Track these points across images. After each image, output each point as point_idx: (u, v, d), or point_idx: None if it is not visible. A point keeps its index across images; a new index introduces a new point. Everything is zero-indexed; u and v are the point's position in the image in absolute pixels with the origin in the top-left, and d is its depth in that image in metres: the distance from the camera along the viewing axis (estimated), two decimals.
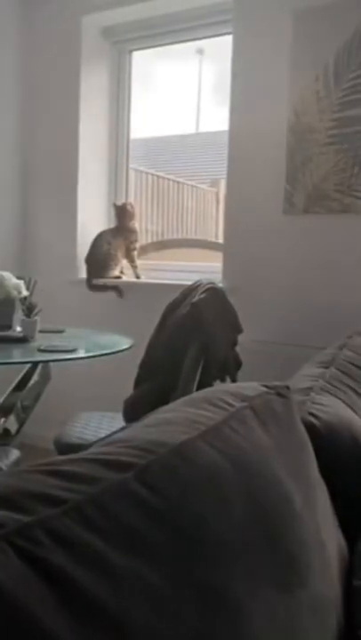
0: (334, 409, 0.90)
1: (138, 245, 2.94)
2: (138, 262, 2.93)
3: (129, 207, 2.91)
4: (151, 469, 0.52)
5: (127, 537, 0.47)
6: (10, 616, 0.38)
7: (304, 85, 2.36)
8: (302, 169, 2.38)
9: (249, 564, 0.55)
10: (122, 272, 2.95)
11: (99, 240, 2.88)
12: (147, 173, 3.31)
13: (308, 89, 2.35)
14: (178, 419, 0.63)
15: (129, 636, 0.42)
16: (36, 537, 0.42)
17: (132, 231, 2.90)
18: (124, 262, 2.94)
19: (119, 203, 2.95)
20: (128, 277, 2.98)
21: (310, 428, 0.82)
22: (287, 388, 0.79)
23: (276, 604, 0.56)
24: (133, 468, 0.51)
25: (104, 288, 2.85)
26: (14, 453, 1.80)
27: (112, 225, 3.01)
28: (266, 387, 0.78)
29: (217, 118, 2.87)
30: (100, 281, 2.86)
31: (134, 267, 2.92)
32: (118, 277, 2.92)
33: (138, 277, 2.92)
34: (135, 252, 2.91)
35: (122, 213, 2.89)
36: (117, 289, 2.83)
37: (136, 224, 2.93)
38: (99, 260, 2.87)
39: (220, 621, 0.49)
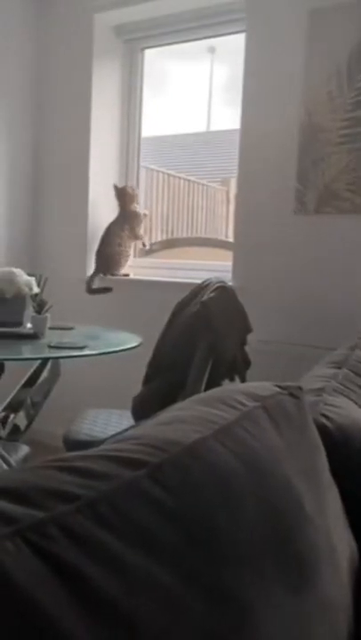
0: (347, 410, 0.90)
1: (142, 227, 2.93)
2: (148, 260, 2.94)
3: (129, 190, 2.91)
4: (164, 468, 0.52)
5: (139, 535, 0.46)
6: (23, 611, 0.38)
7: (317, 85, 2.35)
8: (314, 168, 2.37)
9: (259, 564, 0.55)
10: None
11: (110, 236, 2.88)
12: (157, 172, 3.30)
13: (320, 88, 2.34)
14: (191, 417, 0.63)
15: (139, 633, 0.42)
16: (50, 533, 0.42)
17: (135, 215, 2.90)
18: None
19: (120, 185, 2.95)
20: (136, 276, 2.98)
21: (322, 429, 0.82)
22: (300, 388, 0.79)
23: (286, 606, 0.56)
24: (146, 465, 0.51)
25: (102, 290, 2.84)
26: (24, 449, 1.81)
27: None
28: (279, 387, 0.77)
29: (228, 117, 2.86)
30: (105, 279, 2.86)
31: (142, 243, 2.93)
32: (126, 275, 2.92)
33: (143, 245, 2.95)
34: (141, 232, 2.92)
35: (123, 196, 2.88)
36: (108, 289, 2.82)
37: (138, 207, 2.93)
38: (110, 257, 2.88)
39: (230, 621, 0.49)
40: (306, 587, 0.59)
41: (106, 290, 2.84)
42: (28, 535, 0.41)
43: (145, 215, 3.00)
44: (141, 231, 2.94)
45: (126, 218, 2.89)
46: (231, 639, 0.48)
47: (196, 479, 0.53)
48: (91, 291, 2.85)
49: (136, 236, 2.91)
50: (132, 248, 2.99)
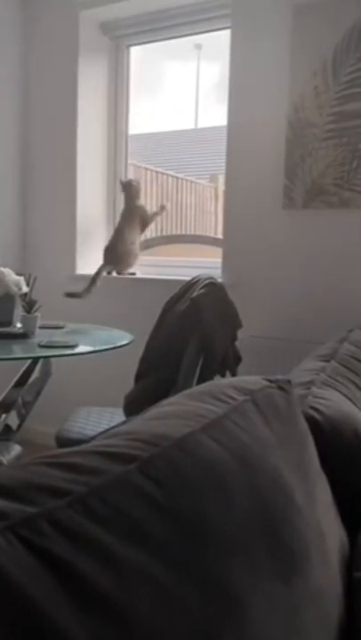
0: (336, 403, 0.90)
1: (150, 215, 2.92)
2: (140, 257, 2.94)
3: (134, 183, 2.90)
4: (154, 462, 0.52)
5: (130, 528, 0.47)
6: (16, 605, 0.38)
7: (303, 80, 2.35)
8: (301, 164, 2.38)
9: (249, 555, 0.55)
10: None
11: (123, 234, 2.84)
12: (145, 169, 3.30)
13: (306, 83, 2.35)
14: (180, 412, 0.64)
15: (132, 626, 0.43)
16: (41, 528, 0.43)
17: (144, 212, 2.90)
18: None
19: (124, 179, 2.95)
20: (124, 274, 2.98)
21: (312, 421, 0.83)
22: (289, 382, 0.80)
23: (277, 596, 0.57)
24: (136, 460, 0.52)
25: (78, 295, 2.73)
26: (16, 449, 1.81)
27: (112, 221, 3.01)
28: (268, 380, 0.78)
29: (215, 114, 2.86)
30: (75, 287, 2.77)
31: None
32: (133, 274, 2.91)
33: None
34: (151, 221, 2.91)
35: (129, 189, 2.88)
36: (77, 294, 2.71)
37: (141, 200, 2.93)
38: (123, 255, 2.85)
39: (222, 613, 0.50)
40: (296, 577, 0.60)
41: (78, 295, 2.72)
42: (19, 530, 0.42)
43: (163, 208, 2.98)
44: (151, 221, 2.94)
45: (135, 214, 2.87)
46: (223, 629, 0.49)
47: (187, 472, 0.54)
48: (68, 294, 2.73)
49: (143, 232, 2.91)
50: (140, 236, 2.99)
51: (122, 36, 3.05)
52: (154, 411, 0.67)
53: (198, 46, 3.16)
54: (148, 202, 3.34)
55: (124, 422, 0.66)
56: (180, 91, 3.34)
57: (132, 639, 0.42)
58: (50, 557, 0.42)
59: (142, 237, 3.00)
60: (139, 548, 0.46)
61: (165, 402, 0.71)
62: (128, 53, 3.11)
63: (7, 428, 2.09)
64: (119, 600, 0.43)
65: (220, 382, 0.77)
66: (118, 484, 0.49)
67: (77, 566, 0.42)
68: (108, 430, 0.62)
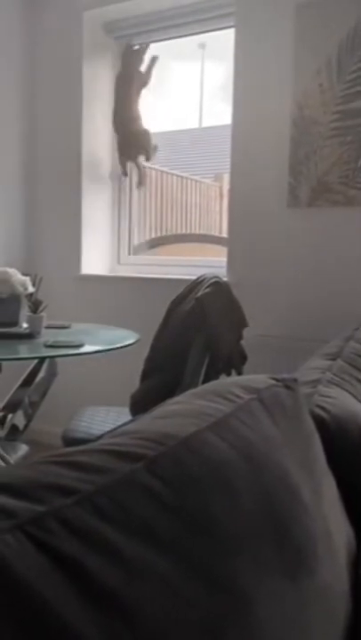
0: (342, 401, 0.90)
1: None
2: (143, 257, 2.94)
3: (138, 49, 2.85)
4: (161, 461, 0.53)
5: (138, 526, 0.47)
6: (25, 603, 0.38)
7: (307, 78, 2.35)
8: (306, 162, 2.37)
9: (256, 553, 0.55)
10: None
11: (130, 111, 2.81)
12: (150, 168, 3.30)
13: (311, 82, 2.35)
14: (187, 410, 0.64)
15: (140, 622, 0.43)
16: (50, 526, 0.43)
17: (145, 133, 2.86)
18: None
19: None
20: (132, 273, 2.99)
21: (318, 420, 0.83)
22: (295, 380, 0.80)
23: (284, 593, 0.57)
24: (143, 459, 0.52)
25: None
26: (23, 448, 1.81)
27: (117, 220, 3.01)
28: (274, 379, 0.78)
29: (220, 112, 2.86)
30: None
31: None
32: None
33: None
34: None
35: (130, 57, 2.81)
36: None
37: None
38: (136, 135, 2.82)
39: (229, 610, 0.50)
40: (303, 574, 0.60)
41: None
42: (28, 529, 0.42)
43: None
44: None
45: (135, 80, 2.80)
46: (230, 626, 0.49)
47: (193, 471, 0.54)
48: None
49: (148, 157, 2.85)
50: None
51: (125, 36, 3.05)
52: (160, 410, 0.67)
53: (202, 45, 3.16)
54: (152, 202, 3.34)
55: (130, 421, 0.67)
56: (185, 90, 3.34)
57: (140, 636, 0.42)
58: (58, 555, 0.42)
59: (147, 237, 3.01)
60: (146, 546, 0.46)
61: (172, 401, 0.71)
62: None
63: (14, 427, 2.10)
64: (127, 597, 0.43)
65: (226, 381, 0.77)
66: (125, 482, 0.49)
67: (86, 564, 0.43)
68: (114, 429, 0.62)
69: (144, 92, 2.99)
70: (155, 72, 2.96)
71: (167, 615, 0.45)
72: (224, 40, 2.73)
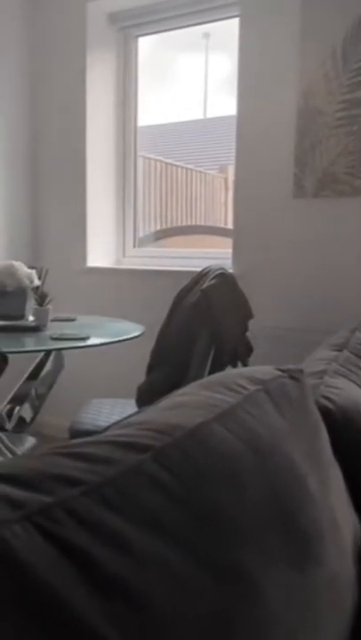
0: (348, 392, 0.90)
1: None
2: (148, 249, 2.93)
3: None
4: (167, 451, 0.53)
5: (145, 516, 0.47)
6: (35, 593, 0.39)
7: (312, 68, 2.33)
8: (311, 152, 2.36)
9: (264, 542, 0.56)
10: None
11: None
12: (155, 160, 3.30)
13: (316, 71, 2.33)
14: (193, 402, 0.64)
15: (149, 611, 0.43)
16: (58, 517, 0.43)
17: None
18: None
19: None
20: (137, 265, 2.99)
21: (324, 410, 0.83)
22: (301, 371, 0.80)
23: (292, 583, 0.57)
24: (150, 450, 0.52)
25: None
26: (30, 441, 1.82)
27: (122, 213, 3.00)
28: (280, 370, 0.78)
29: (225, 103, 2.85)
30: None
31: None
32: None
33: None
34: None
35: None
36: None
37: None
38: None
39: (237, 600, 0.50)
40: (310, 563, 0.60)
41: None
42: (36, 519, 0.42)
43: None
44: None
45: None
46: (238, 616, 0.49)
47: (200, 461, 0.54)
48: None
49: None
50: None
51: (130, 26, 3.03)
52: (167, 401, 0.67)
53: (206, 35, 3.14)
54: (157, 194, 3.34)
55: (137, 413, 0.67)
56: (189, 81, 3.32)
57: (149, 624, 0.43)
58: (67, 546, 0.42)
59: (153, 229, 3.00)
60: (153, 536, 0.47)
61: (178, 392, 0.71)
62: (136, 44, 3.10)
63: (21, 420, 2.11)
64: (135, 587, 0.43)
65: (231, 372, 0.77)
66: (132, 473, 0.49)
67: (94, 554, 0.43)
68: (121, 421, 0.62)
69: (146, 84, 2.98)
70: (157, 63, 2.94)
71: (175, 605, 0.45)
72: (228, 29, 2.71)
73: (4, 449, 1.37)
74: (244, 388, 0.70)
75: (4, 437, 1.35)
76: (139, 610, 0.43)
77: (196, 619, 0.46)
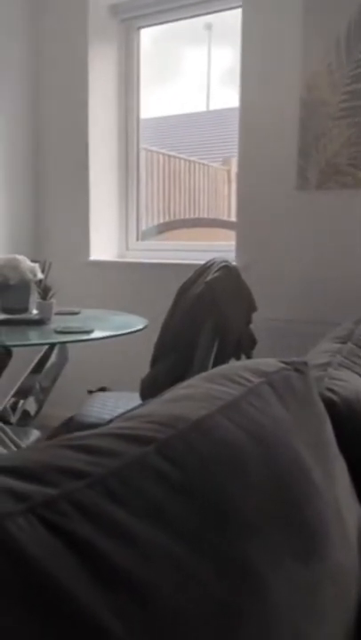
0: (352, 384, 0.90)
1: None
2: (151, 242, 2.93)
3: None
4: (171, 443, 0.53)
5: (149, 508, 0.47)
6: (39, 584, 0.39)
7: (315, 58, 2.32)
8: (315, 144, 2.35)
9: (268, 534, 0.56)
10: None
11: None
12: (158, 153, 3.29)
13: (319, 62, 2.31)
14: (196, 394, 0.64)
15: (154, 603, 0.43)
16: (62, 509, 0.43)
17: None
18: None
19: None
20: (140, 259, 2.98)
21: (328, 402, 0.83)
22: (305, 363, 0.80)
23: (296, 575, 0.57)
24: (154, 442, 0.52)
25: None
26: (34, 434, 1.83)
27: (125, 205, 2.99)
28: (284, 363, 0.78)
29: (228, 95, 2.83)
30: None
31: None
32: None
33: None
34: None
35: None
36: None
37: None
38: None
39: (242, 591, 0.50)
40: (315, 556, 0.60)
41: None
42: (40, 511, 0.42)
43: None
44: None
45: None
46: (242, 607, 0.49)
47: (204, 453, 0.54)
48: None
49: None
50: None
51: (131, 17, 3.01)
52: (170, 394, 0.67)
53: (209, 26, 3.12)
54: (160, 187, 3.33)
55: (140, 405, 0.67)
56: (192, 73, 3.31)
57: (153, 616, 0.43)
58: (71, 538, 0.42)
59: (156, 222, 2.99)
60: (158, 528, 0.47)
61: (182, 385, 0.71)
62: (138, 36, 3.08)
63: (25, 413, 2.12)
64: (140, 579, 0.43)
65: (235, 365, 0.77)
66: (136, 465, 0.49)
67: (99, 546, 0.43)
68: (124, 413, 0.62)
69: (149, 76, 2.96)
70: (159, 55, 2.93)
71: (180, 597, 0.45)
72: (231, 20, 2.69)
73: (8, 442, 1.37)
74: (248, 380, 0.70)
75: (8, 430, 1.35)
76: (143, 602, 0.43)
77: (201, 611, 0.46)
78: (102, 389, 2.14)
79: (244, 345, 2.02)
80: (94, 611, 0.40)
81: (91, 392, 2.17)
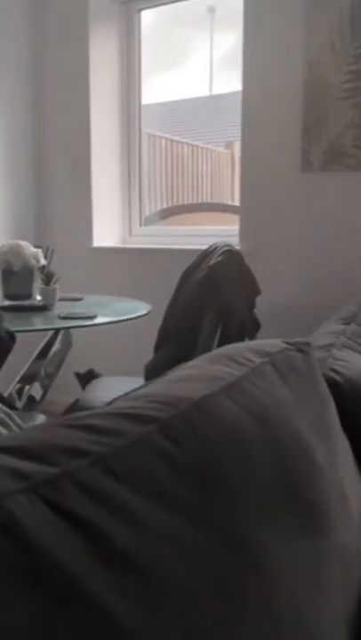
0: (356, 364, 0.90)
1: None
2: (154, 227, 2.92)
3: None
4: (173, 423, 0.52)
5: (152, 487, 0.47)
6: (40, 563, 0.39)
7: (319, 38, 2.29)
8: (318, 125, 2.32)
9: (271, 514, 0.56)
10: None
11: None
12: (160, 137, 3.26)
13: (322, 41, 2.28)
14: (199, 375, 0.64)
15: (157, 581, 0.43)
16: (64, 488, 0.43)
17: None
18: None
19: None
20: (143, 244, 2.97)
21: (332, 383, 0.82)
22: (308, 344, 0.79)
23: (299, 552, 0.57)
24: (156, 421, 0.52)
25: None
26: (40, 418, 1.84)
27: (127, 190, 2.98)
28: (287, 343, 0.78)
29: (231, 79, 2.80)
30: None
31: None
32: None
33: None
34: None
35: None
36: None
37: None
38: None
39: (243, 567, 0.50)
40: (319, 534, 0.60)
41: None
42: (41, 490, 0.42)
43: None
44: None
45: None
46: (244, 584, 0.49)
47: (206, 433, 0.54)
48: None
49: None
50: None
51: (131, 0, 2.98)
52: (173, 374, 0.67)
53: (211, 9, 3.08)
54: (162, 172, 3.31)
55: (143, 386, 0.67)
56: (195, 57, 3.27)
57: (156, 593, 0.43)
58: (73, 517, 0.42)
59: (159, 207, 2.98)
60: (160, 506, 0.47)
61: (185, 365, 0.71)
62: (139, 18, 3.04)
63: (31, 398, 2.13)
64: (142, 557, 0.43)
65: (238, 346, 0.77)
66: (138, 444, 0.49)
67: (100, 524, 0.43)
68: (127, 394, 0.62)
69: (151, 61, 2.93)
70: (161, 40, 2.90)
71: (181, 575, 0.45)
72: (234, 3, 2.66)
73: (14, 427, 1.38)
74: (251, 360, 0.69)
75: (14, 415, 1.35)
76: (144, 580, 0.43)
77: (203, 589, 0.46)
78: (90, 372, 2.14)
79: (247, 329, 2.02)
80: (96, 588, 0.40)
81: (78, 375, 2.17)
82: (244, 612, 0.48)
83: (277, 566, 0.53)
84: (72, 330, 2.22)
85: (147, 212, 3.17)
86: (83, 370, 2.29)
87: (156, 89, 3.11)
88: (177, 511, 0.47)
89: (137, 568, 0.43)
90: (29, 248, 2.07)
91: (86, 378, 2.13)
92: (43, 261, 2.08)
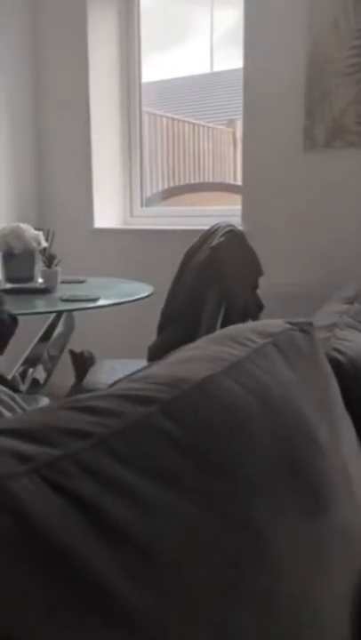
0: (359, 344, 0.90)
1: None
2: (155, 208, 2.89)
3: None
4: (175, 404, 0.52)
5: (154, 468, 0.47)
6: (44, 544, 0.39)
7: (322, 13, 2.24)
8: (321, 102, 2.29)
9: (273, 494, 0.56)
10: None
11: None
12: (161, 116, 3.23)
13: (326, 16, 2.24)
14: (201, 355, 0.64)
15: (159, 559, 0.44)
16: (66, 469, 0.43)
17: None
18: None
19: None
20: (144, 225, 2.96)
21: (335, 362, 0.82)
22: (310, 324, 0.79)
23: (301, 531, 0.57)
24: (158, 402, 0.52)
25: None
26: (44, 401, 1.85)
27: (128, 171, 2.95)
28: (289, 323, 0.77)
29: (232, 55, 2.76)
30: None
31: None
32: None
33: None
34: None
35: None
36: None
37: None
38: None
39: (244, 546, 0.51)
40: (321, 513, 0.60)
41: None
42: (44, 472, 0.42)
43: None
44: None
45: None
46: (246, 563, 0.50)
47: (208, 413, 0.54)
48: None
49: None
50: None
51: None
52: (175, 355, 0.67)
53: None
54: (163, 151, 3.27)
55: (145, 367, 0.67)
56: (195, 33, 3.22)
57: (158, 572, 0.43)
58: (75, 497, 0.42)
59: (160, 188, 2.95)
60: (162, 487, 0.47)
61: (187, 347, 0.71)
62: None
63: (35, 381, 2.13)
64: (144, 536, 0.44)
65: (240, 326, 0.77)
66: (141, 425, 0.49)
67: (102, 504, 0.43)
68: (130, 375, 0.62)
69: (150, 38, 2.88)
70: (160, 16, 2.85)
71: (183, 553, 0.45)
72: None
73: (18, 410, 1.38)
74: (253, 341, 0.69)
75: (18, 398, 1.36)
76: (147, 559, 0.43)
77: (205, 567, 0.46)
78: (82, 353, 2.14)
79: (250, 310, 2.01)
80: (99, 568, 0.40)
81: (72, 353, 2.17)
82: (244, 589, 0.49)
83: (279, 546, 0.54)
84: (74, 312, 2.22)
85: (148, 193, 3.14)
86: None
87: (156, 67, 3.07)
88: (179, 492, 0.48)
89: (139, 547, 0.43)
90: (30, 230, 2.06)
91: (79, 360, 2.13)
92: (44, 244, 2.07)
